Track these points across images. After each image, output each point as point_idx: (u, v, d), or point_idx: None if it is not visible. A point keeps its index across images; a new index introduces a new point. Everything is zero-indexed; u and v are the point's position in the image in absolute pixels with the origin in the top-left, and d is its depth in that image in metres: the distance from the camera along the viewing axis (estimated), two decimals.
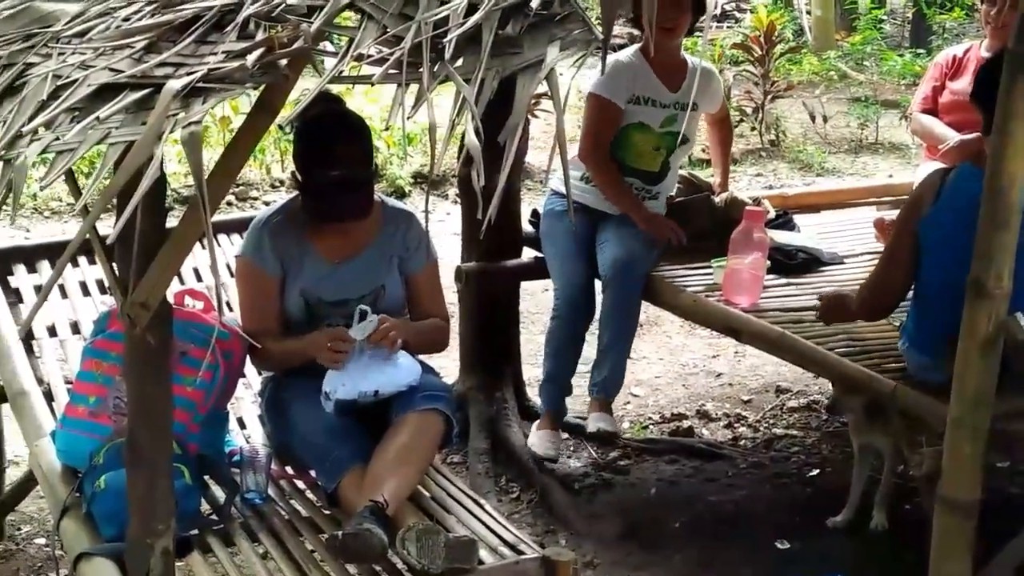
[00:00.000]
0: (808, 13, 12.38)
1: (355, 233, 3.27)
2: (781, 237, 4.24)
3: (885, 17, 13.75)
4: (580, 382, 4.53)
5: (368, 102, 8.33)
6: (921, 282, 3.23)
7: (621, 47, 4.35)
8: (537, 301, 5.82)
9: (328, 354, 3.08)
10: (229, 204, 7.60)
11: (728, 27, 12.07)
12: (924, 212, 3.16)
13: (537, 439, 4.28)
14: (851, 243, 4.47)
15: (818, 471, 4.34)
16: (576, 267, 4.24)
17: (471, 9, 1.96)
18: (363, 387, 3.04)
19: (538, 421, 4.36)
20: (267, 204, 6.99)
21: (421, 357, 3.27)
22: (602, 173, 4.24)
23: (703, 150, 4.35)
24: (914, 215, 3.22)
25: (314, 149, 3.14)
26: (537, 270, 4.49)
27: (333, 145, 3.11)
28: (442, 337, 3.43)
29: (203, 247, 3.85)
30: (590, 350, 4.37)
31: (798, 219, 4.58)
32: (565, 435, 4.54)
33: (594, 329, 4.31)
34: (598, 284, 4.25)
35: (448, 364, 4.68)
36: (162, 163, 1.89)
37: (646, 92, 4.21)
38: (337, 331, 3.12)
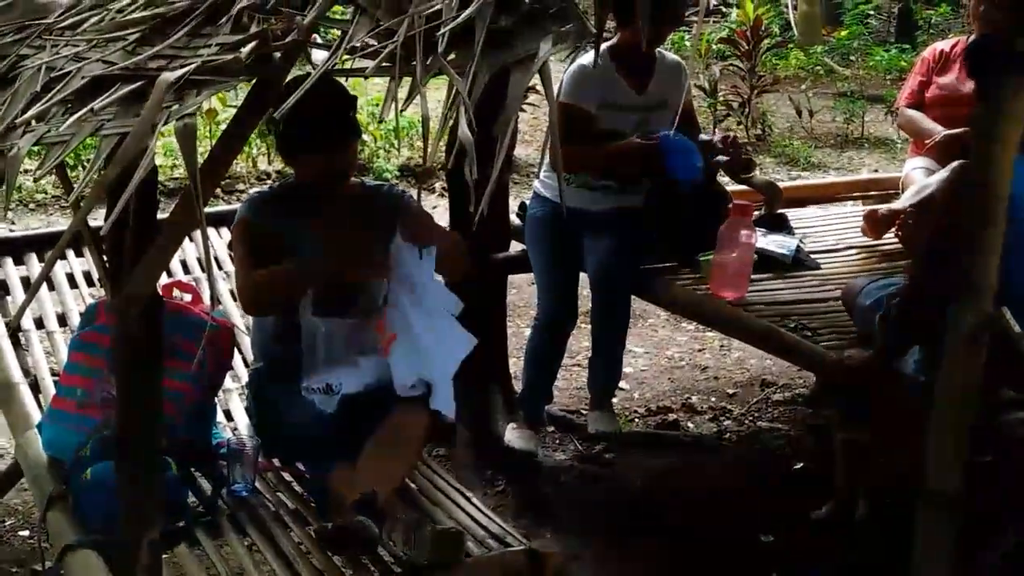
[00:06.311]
0: (794, 8, 12.42)
1: (346, 209, 3.24)
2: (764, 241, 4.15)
3: (871, 12, 13.78)
4: (565, 374, 4.54)
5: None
6: None
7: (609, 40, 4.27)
8: (523, 294, 5.82)
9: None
10: (215, 197, 7.57)
11: (715, 22, 12.09)
12: None
13: (514, 436, 4.29)
14: (837, 237, 4.49)
15: (802, 464, 4.36)
16: (558, 278, 4.22)
17: (464, 3, 1.96)
18: (367, 379, 3.06)
19: (514, 422, 4.37)
20: None
21: None
22: (577, 165, 4.08)
23: None
24: None
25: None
26: (524, 263, 4.47)
27: (314, 87, 3.08)
28: (460, 245, 3.37)
29: (190, 240, 3.86)
30: (575, 343, 4.37)
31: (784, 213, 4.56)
32: (551, 428, 4.56)
33: (586, 324, 4.31)
34: (583, 281, 4.24)
35: None
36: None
37: (615, 98, 4.11)
38: None
